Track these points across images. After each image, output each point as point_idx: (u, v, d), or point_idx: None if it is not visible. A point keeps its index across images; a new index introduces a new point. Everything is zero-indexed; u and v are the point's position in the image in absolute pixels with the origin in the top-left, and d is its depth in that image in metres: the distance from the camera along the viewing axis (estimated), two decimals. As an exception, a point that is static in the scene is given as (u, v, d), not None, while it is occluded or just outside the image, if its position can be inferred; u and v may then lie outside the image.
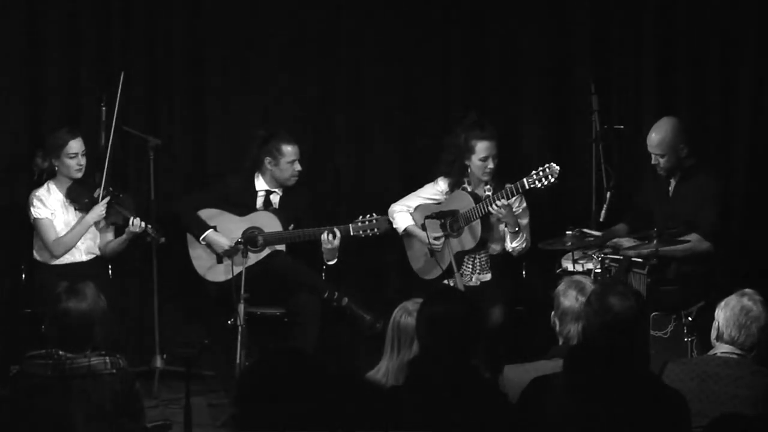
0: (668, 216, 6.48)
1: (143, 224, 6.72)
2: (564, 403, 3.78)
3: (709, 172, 6.52)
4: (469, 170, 6.80)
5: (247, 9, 7.49)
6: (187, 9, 7.51)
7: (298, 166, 6.90)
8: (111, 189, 6.80)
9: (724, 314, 4.53)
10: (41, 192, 6.81)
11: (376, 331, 6.47)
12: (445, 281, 6.62)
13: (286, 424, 3.04)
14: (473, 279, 6.80)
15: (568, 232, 6.24)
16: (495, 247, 6.82)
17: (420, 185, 7.04)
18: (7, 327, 6.80)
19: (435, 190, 6.93)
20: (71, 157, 6.75)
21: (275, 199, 6.99)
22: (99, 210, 6.76)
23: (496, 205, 6.51)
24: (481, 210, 6.61)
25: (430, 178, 6.98)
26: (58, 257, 6.77)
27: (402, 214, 6.95)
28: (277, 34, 7.51)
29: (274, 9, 7.50)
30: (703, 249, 6.33)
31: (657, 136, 6.41)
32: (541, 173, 6.39)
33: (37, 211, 6.78)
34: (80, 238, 6.79)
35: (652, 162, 6.47)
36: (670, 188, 6.54)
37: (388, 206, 6.98)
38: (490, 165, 6.72)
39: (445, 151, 6.87)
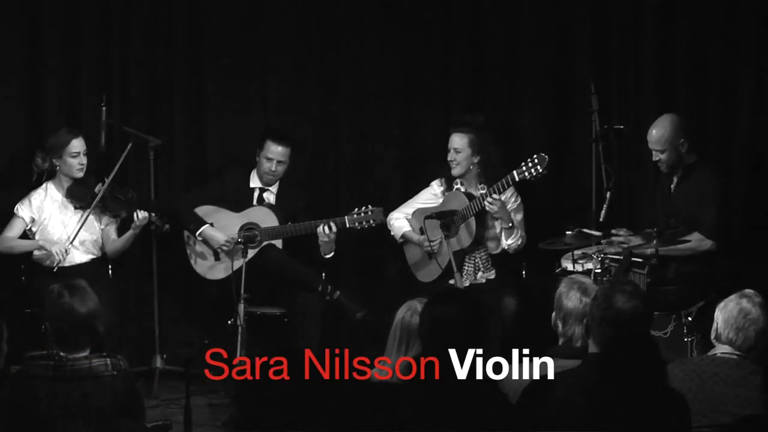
0: (669, 213, 6.47)
1: (146, 214, 6.73)
2: (567, 403, 3.79)
3: (711, 169, 6.51)
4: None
5: (247, 9, 7.49)
6: (188, 8, 7.51)
7: (273, 166, 6.88)
8: (113, 183, 6.80)
9: (723, 315, 4.53)
10: (35, 193, 6.85)
11: (358, 319, 6.71)
12: (450, 281, 6.61)
13: (286, 425, 3.04)
14: (477, 277, 6.81)
15: (568, 232, 6.24)
16: (492, 246, 6.83)
17: (420, 185, 7.06)
18: (7, 327, 6.79)
19: (430, 194, 6.95)
20: (73, 156, 6.76)
21: (269, 197, 7.00)
22: (58, 247, 6.69)
23: (489, 199, 6.51)
24: (475, 207, 6.62)
25: (430, 179, 7.00)
26: None
27: (399, 221, 6.98)
28: (278, 33, 7.50)
29: (275, 9, 7.49)
30: (706, 248, 6.32)
31: (657, 132, 6.42)
32: (530, 164, 6.40)
33: (20, 207, 6.82)
34: (19, 252, 6.80)
35: (653, 159, 6.47)
36: (672, 185, 6.54)
37: (388, 204, 6.99)
38: (450, 156, 6.74)
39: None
